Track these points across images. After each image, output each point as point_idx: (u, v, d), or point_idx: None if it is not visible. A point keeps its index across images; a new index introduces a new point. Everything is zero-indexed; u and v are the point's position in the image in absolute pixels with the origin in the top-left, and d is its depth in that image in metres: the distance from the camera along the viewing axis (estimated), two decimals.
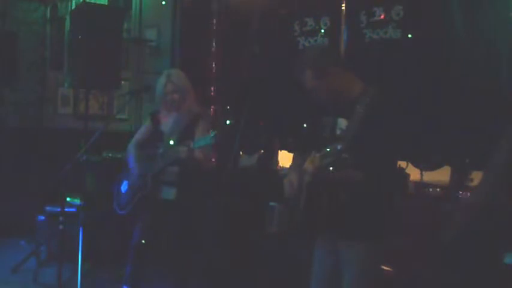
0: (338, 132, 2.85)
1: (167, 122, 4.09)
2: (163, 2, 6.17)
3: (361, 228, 2.73)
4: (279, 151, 5.35)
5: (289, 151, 5.21)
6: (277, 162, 5.36)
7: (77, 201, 4.91)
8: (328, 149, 2.57)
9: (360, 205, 2.70)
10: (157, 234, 4.08)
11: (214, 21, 5.98)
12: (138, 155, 4.11)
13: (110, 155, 5.34)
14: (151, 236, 4.05)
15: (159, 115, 4.15)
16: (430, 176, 4.15)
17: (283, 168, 5.26)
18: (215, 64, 5.99)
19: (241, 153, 5.41)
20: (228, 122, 5.58)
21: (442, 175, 4.07)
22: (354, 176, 2.63)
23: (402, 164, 4.15)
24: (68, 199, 5.06)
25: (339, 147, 2.54)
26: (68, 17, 6.78)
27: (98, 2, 5.85)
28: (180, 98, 4.03)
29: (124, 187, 4.16)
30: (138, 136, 4.25)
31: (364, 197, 2.69)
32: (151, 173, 3.94)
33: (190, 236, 4.08)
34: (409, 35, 4.18)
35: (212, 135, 3.58)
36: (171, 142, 3.87)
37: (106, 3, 6.48)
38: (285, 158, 5.31)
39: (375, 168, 2.62)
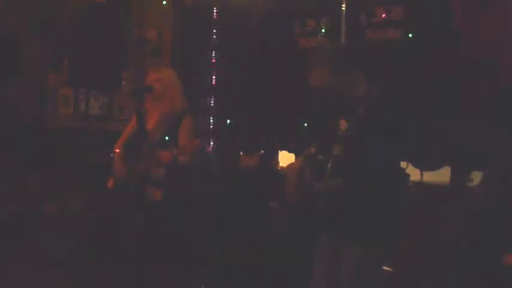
0: (338, 132, 2.85)
1: (152, 120, 4.07)
2: (164, 2, 6.17)
3: (360, 232, 2.72)
4: (279, 151, 5.36)
5: (289, 151, 5.22)
6: (277, 162, 5.36)
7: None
8: (304, 152, 2.65)
9: (357, 208, 2.70)
10: (147, 235, 4.07)
11: (215, 21, 5.98)
12: (124, 154, 4.10)
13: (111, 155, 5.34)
14: (142, 237, 4.03)
15: (145, 113, 4.13)
16: (430, 176, 4.15)
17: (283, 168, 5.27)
18: (215, 64, 5.99)
19: (241, 153, 5.41)
20: (228, 122, 5.59)
21: (442, 175, 4.07)
22: (337, 187, 2.66)
23: (402, 164, 4.15)
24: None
25: (312, 150, 2.60)
26: (69, 17, 6.79)
27: (98, 2, 5.84)
28: (162, 88, 4.00)
29: (111, 185, 4.16)
30: (124, 134, 4.23)
31: (361, 200, 2.68)
32: (136, 173, 3.93)
33: (181, 237, 4.06)
34: (409, 35, 4.18)
35: (195, 141, 3.56)
36: (166, 138, 3.83)
37: (106, 3, 6.48)
38: (285, 158, 5.31)
39: (373, 171, 2.62)
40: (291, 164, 2.89)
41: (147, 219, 3.99)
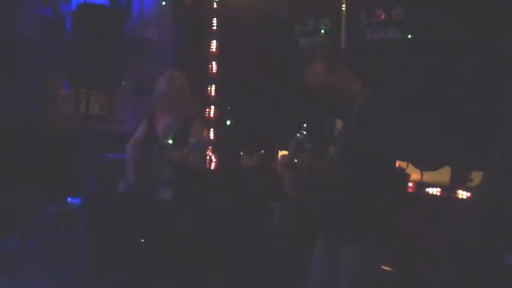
0: (335, 132, 2.85)
1: (162, 123, 4.10)
2: (163, 2, 6.18)
3: (358, 231, 2.72)
4: (279, 151, 5.36)
5: None
6: (277, 162, 5.36)
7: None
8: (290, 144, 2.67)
9: (355, 207, 2.70)
10: (155, 234, 4.08)
11: (214, 21, 5.99)
12: (134, 155, 4.13)
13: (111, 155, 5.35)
14: (150, 237, 4.05)
15: (156, 116, 4.16)
16: (430, 176, 4.15)
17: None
18: (215, 64, 6.00)
19: (241, 153, 5.41)
20: (228, 122, 5.59)
21: (442, 175, 4.07)
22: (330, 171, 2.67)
23: (402, 164, 4.16)
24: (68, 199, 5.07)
25: (299, 135, 2.62)
26: (68, 17, 6.79)
27: (98, 2, 5.84)
28: (179, 101, 4.04)
29: (120, 186, 4.18)
30: (135, 136, 4.26)
31: (359, 199, 2.68)
32: (147, 173, 3.96)
33: (187, 237, 4.08)
34: (409, 36, 4.19)
35: (204, 139, 3.60)
36: (170, 141, 3.87)
37: (106, 4, 6.49)
38: None
39: (367, 169, 2.62)
40: (280, 160, 2.89)
41: (157, 218, 4.01)
